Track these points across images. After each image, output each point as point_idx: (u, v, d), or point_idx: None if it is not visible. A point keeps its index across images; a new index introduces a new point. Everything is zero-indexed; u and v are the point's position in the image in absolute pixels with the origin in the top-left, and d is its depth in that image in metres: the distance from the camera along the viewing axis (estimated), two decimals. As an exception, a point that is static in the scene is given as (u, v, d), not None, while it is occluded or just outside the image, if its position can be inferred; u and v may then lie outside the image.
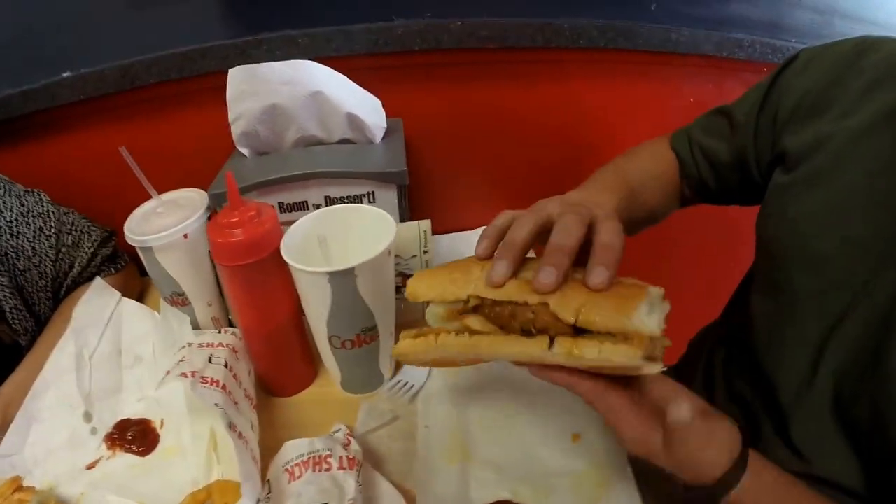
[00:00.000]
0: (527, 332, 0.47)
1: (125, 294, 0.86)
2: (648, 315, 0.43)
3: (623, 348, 0.42)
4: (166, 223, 0.73)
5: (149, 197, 0.76)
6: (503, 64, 0.96)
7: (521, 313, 0.46)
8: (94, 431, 0.70)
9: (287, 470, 0.58)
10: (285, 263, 0.62)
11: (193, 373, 0.60)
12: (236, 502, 0.56)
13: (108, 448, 0.68)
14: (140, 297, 0.92)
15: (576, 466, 0.62)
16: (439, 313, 0.51)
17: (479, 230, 1.01)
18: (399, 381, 0.73)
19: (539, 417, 0.67)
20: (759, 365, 0.62)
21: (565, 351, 0.44)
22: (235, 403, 0.61)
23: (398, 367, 0.76)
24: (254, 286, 0.64)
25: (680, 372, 0.88)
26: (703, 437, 0.47)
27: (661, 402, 0.48)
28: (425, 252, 0.76)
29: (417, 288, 0.51)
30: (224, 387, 0.61)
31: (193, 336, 0.74)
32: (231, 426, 0.56)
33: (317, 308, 0.63)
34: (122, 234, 0.74)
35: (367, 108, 0.83)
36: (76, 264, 0.87)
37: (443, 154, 1.03)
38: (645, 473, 0.59)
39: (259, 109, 0.78)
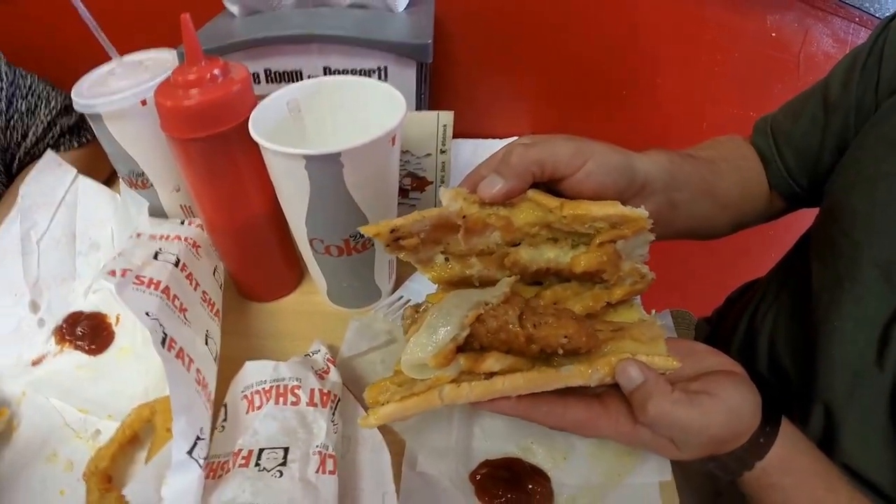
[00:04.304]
0: (549, 355, 0.39)
1: (91, 174, 0.72)
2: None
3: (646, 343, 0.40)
4: (121, 86, 0.59)
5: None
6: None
7: (549, 336, 0.37)
8: (41, 323, 0.61)
9: (246, 397, 0.47)
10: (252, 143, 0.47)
11: (125, 271, 0.48)
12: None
13: (57, 343, 0.60)
14: (110, 180, 0.79)
15: None
16: (423, 361, 0.38)
17: (509, 140, 0.88)
18: (400, 298, 0.59)
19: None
20: (813, 342, 0.52)
21: (605, 371, 0.38)
22: (183, 311, 0.49)
23: (400, 280, 0.62)
24: (216, 169, 0.50)
25: (715, 329, 0.81)
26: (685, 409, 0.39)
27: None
28: (442, 152, 0.60)
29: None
30: (166, 290, 0.48)
31: (149, 225, 0.61)
32: (167, 342, 0.44)
33: (293, 203, 0.50)
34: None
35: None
36: (30, 134, 0.76)
37: (478, 44, 0.86)
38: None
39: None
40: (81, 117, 0.79)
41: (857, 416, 0.49)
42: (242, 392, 0.47)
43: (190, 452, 0.40)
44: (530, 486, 0.46)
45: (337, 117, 0.54)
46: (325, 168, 0.45)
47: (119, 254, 0.52)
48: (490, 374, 0.38)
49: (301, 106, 0.52)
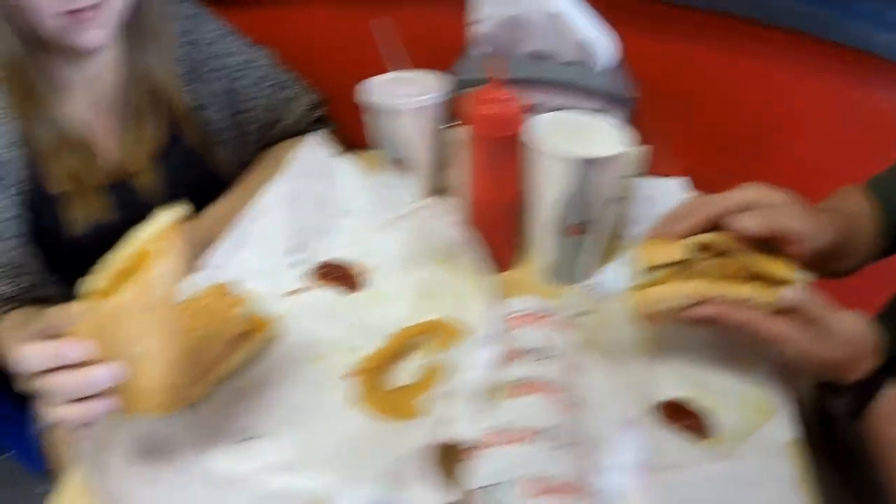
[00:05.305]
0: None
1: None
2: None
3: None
4: (405, 91, 0.80)
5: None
6: (717, 29, 0.95)
7: (733, 265, 0.57)
8: (298, 264, 0.73)
9: (509, 319, 0.64)
10: (522, 147, 0.69)
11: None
12: (452, 344, 0.65)
13: (311, 281, 0.72)
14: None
15: (744, 389, 0.65)
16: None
17: (668, 180, 1.04)
18: (595, 283, 0.76)
19: (722, 339, 0.69)
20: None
21: (769, 293, 0.55)
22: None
23: (595, 270, 0.78)
24: (495, 160, 0.71)
25: None
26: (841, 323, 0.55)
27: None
28: (633, 175, 0.80)
29: (651, 252, 0.60)
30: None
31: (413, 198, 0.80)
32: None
33: (550, 191, 0.69)
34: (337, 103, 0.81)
35: (601, 40, 0.85)
36: (286, 119, 0.96)
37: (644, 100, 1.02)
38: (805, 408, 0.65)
39: (502, 16, 0.83)
40: (326, 113, 1.00)
41: None
42: (505, 316, 0.65)
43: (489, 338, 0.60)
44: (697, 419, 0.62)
45: (574, 137, 0.72)
46: (579, 169, 0.65)
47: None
48: None
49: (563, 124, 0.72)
